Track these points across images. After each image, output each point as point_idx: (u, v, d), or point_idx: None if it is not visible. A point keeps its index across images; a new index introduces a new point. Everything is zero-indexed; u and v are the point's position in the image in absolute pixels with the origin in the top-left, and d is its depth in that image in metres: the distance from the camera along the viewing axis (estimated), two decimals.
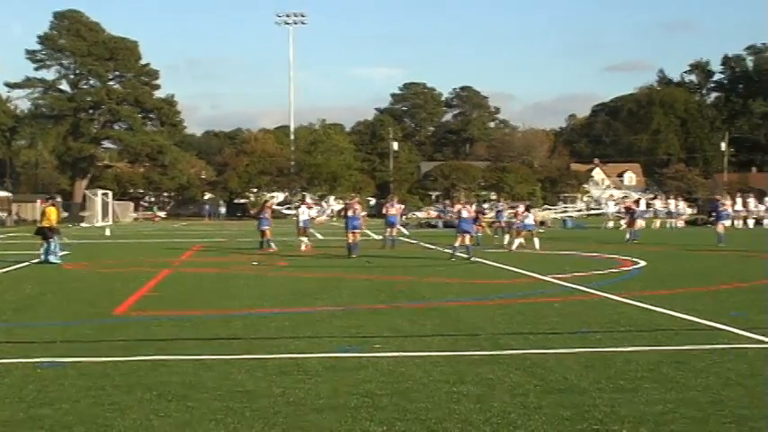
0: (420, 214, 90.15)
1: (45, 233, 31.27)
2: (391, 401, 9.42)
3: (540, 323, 15.13)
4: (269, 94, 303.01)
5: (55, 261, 30.74)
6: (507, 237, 39.23)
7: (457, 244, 31.83)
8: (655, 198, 76.86)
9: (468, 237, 31.84)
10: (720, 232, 39.37)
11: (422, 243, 42.02)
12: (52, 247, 31.14)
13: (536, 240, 37.03)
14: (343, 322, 15.49)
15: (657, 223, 65.37)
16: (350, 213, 34.81)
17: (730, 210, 60.53)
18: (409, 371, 11.00)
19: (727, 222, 44.80)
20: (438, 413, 8.94)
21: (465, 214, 32.40)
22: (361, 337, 13.74)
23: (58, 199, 48.88)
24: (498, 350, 12.46)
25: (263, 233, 38.56)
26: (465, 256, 31.31)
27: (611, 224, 66.05)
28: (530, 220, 37.70)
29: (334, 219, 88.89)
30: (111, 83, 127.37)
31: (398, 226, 42.57)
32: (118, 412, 9.09)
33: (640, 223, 41.91)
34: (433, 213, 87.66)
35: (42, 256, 31.09)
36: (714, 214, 42.58)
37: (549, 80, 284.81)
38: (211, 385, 10.26)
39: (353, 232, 33.83)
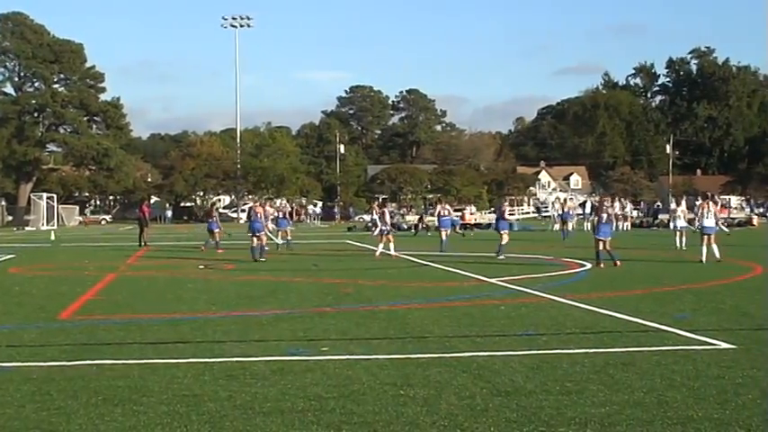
0: (367, 217, 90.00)
1: None
2: (338, 405, 9.42)
3: (488, 326, 15.16)
4: (218, 97, 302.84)
5: None
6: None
7: (254, 245, 34.00)
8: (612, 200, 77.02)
9: (263, 237, 34.58)
10: (443, 239, 38.34)
11: (368, 246, 41.97)
12: None
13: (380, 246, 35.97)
14: (291, 325, 15.46)
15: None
16: (252, 217, 34.61)
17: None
18: (357, 374, 11.01)
19: (449, 230, 42.60)
20: (385, 416, 8.96)
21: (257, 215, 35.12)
22: (308, 341, 13.72)
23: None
24: (445, 353, 12.48)
25: (211, 233, 41.22)
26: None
27: (557, 227, 66.35)
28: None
29: None
30: (56, 86, 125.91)
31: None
32: (63, 417, 9.03)
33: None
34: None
35: None
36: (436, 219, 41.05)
37: (500, 83, 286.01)
38: (158, 389, 10.21)
39: (257, 236, 33.77)
